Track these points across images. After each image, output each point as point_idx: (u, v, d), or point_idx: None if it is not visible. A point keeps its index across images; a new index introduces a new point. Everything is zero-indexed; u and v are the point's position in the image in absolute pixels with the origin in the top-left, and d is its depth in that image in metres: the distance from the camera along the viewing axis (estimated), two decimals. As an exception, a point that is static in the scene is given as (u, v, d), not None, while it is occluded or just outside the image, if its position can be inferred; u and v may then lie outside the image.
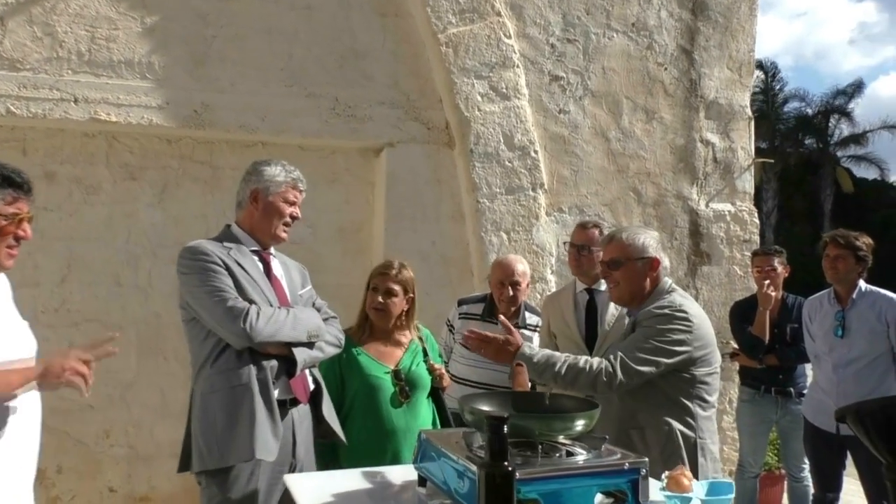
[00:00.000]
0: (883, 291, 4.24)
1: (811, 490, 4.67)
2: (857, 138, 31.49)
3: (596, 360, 2.70)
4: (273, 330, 2.76)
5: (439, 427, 3.40)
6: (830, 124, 31.71)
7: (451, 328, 4.27)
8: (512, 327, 2.80)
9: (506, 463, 1.61)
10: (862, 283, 4.27)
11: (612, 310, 3.86)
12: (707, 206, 5.68)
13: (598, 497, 1.94)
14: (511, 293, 4.07)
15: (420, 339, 3.50)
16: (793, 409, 4.75)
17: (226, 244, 2.93)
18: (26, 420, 2.19)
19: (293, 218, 3.03)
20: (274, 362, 2.81)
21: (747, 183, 5.82)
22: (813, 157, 31.79)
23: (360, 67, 5.12)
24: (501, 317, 2.96)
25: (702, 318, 2.81)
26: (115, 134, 4.90)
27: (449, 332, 4.28)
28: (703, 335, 2.76)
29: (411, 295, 3.44)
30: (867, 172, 32.33)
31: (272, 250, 3.09)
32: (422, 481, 2.19)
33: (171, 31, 4.82)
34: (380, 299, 3.37)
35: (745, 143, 5.81)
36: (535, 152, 5.24)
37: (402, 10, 5.19)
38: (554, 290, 5.07)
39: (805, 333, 4.51)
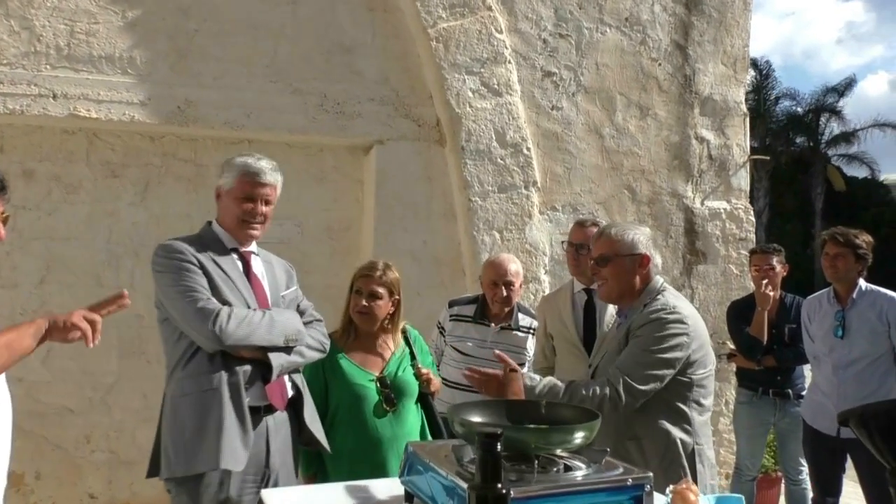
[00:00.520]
0: (884, 290, 4.14)
1: (809, 493, 4.59)
2: (848, 136, 31.54)
3: (598, 385, 2.59)
4: (245, 333, 2.65)
5: (428, 435, 3.26)
6: (821, 123, 31.75)
7: (442, 330, 4.15)
8: (510, 361, 2.66)
9: (499, 485, 1.49)
10: (862, 282, 4.17)
11: (611, 310, 3.75)
12: (702, 203, 5.59)
13: None
14: (504, 293, 3.95)
15: (407, 341, 3.36)
16: (791, 412, 4.65)
17: (204, 242, 2.83)
18: None
19: (255, 214, 2.84)
20: (248, 367, 2.71)
21: (743, 180, 5.73)
22: (804, 156, 31.81)
23: (348, 63, 5.02)
24: (498, 352, 2.81)
25: (695, 317, 2.72)
26: (95, 131, 4.79)
27: (440, 335, 4.16)
28: (699, 336, 2.67)
29: (397, 297, 3.29)
30: (858, 171, 32.43)
31: (255, 248, 2.96)
32: (408, 496, 2.06)
33: (152, 25, 4.70)
34: (364, 302, 3.22)
35: (740, 139, 5.73)
36: (528, 149, 5.14)
37: (391, 4, 5.09)
38: (548, 290, 4.98)
39: (804, 334, 4.42)
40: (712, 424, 3.26)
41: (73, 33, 4.58)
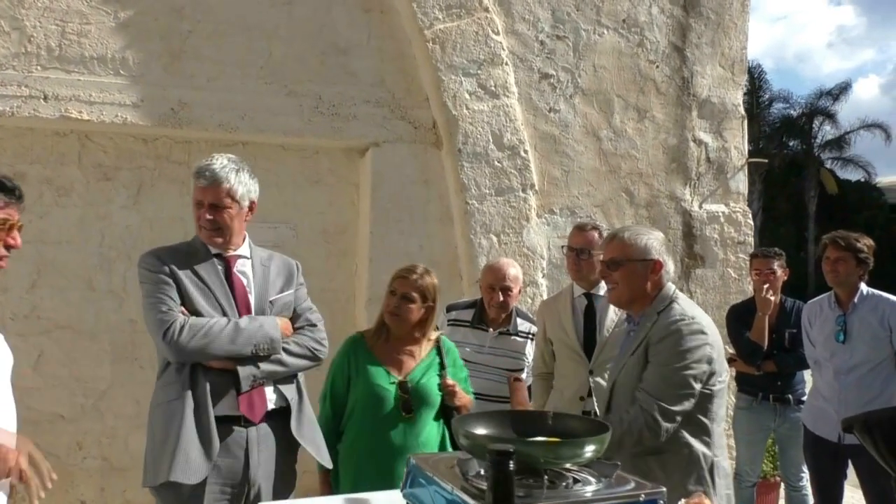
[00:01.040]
0: (885, 295, 4.10)
1: (810, 499, 4.55)
2: (839, 140, 31.64)
3: (631, 415, 2.52)
4: (202, 344, 2.62)
5: (450, 450, 3.13)
6: (814, 126, 31.82)
7: (440, 335, 4.09)
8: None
9: None
10: (863, 287, 4.13)
11: (612, 315, 3.70)
12: (700, 207, 5.55)
13: None
14: (500, 298, 3.87)
15: (440, 351, 3.26)
16: (791, 417, 4.62)
17: (190, 250, 2.81)
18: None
19: (202, 219, 2.76)
20: (217, 377, 2.67)
21: (741, 183, 5.70)
22: (797, 159, 31.88)
23: (343, 64, 4.96)
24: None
25: (711, 325, 2.66)
26: (87, 133, 4.73)
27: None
28: (717, 345, 2.62)
29: (431, 303, 3.21)
30: (853, 174, 32.52)
31: (245, 250, 2.89)
32: (410, 511, 1.99)
33: (145, 25, 4.64)
34: (395, 304, 3.18)
35: (738, 142, 5.70)
36: (525, 152, 5.09)
37: (387, 5, 5.04)
38: (545, 294, 4.93)
39: (804, 339, 4.37)
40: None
41: (64, 34, 4.52)
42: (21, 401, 4.66)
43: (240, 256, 2.86)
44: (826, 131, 31.89)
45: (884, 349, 4.00)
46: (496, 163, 5.02)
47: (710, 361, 2.54)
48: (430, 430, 3.14)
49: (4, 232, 2.05)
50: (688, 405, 2.51)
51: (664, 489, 1.76)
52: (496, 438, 1.81)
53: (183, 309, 2.69)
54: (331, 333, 3.09)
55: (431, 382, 3.15)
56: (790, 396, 4.65)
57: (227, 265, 2.82)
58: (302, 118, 4.85)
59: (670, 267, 2.75)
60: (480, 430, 1.89)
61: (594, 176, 5.31)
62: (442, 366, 3.22)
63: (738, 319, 4.75)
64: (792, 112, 31.90)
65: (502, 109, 5.06)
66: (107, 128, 4.63)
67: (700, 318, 2.63)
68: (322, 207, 5.14)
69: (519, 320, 3.99)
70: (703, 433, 2.58)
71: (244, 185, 2.80)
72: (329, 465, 2.93)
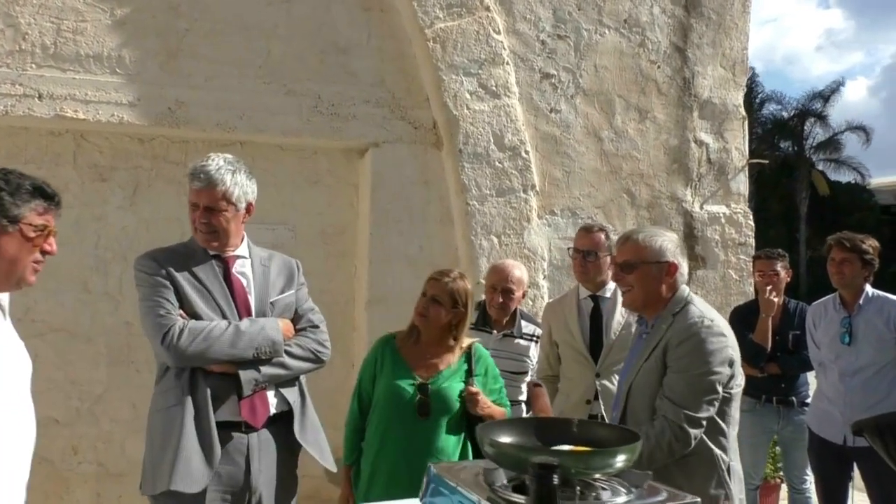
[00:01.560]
0: (891, 297, 4.08)
1: (813, 502, 4.52)
2: (829, 142, 31.78)
3: (656, 428, 2.47)
4: (202, 348, 2.56)
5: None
6: (806, 128, 31.94)
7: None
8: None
9: None
10: (869, 288, 4.11)
11: (619, 317, 3.66)
12: (701, 208, 5.52)
13: None
14: (500, 300, 3.81)
15: (469, 358, 3.20)
16: (795, 420, 4.59)
17: (188, 251, 2.75)
18: (19, 447, 2.00)
19: (197, 222, 2.72)
20: (218, 382, 2.62)
21: (742, 184, 5.67)
22: (788, 161, 31.98)
23: (342, 64, 4.90)
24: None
25: (727, 327, 2.64)
26: (83, 132, 4.66)
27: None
28: (735, 346, 2.58)
29: (462, 309, 3.17)
30: (845, 176, 32.67)
31: (244, 251, 2.83)
32: (430, 520, 1.93)
33: (142, 23, 4.57)
34: (424, 305, 3.17)
35: (738, 143, 5.67)
36: (526, 153, 5.05)
37: (387, 3, 4.98)
38: (547, 296, 4.90)
39: (809, 340, 4.35)
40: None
41: (59, 31, 4.45)
42: (15, 405, 4.58)
43: (238, 257, 2.81)
44: (817, 133, 32.05)
45: (889, 351, 3.98)
46: (497, 163, 4.98)
47: (731, 364, 2.51)
48: (448, 438, 3.08)
49: (42, 238, 2.04)
50: (713, 410, 2.48)
51: (698, 499, 1.70)
52: (521, 447, 1.75)
53: (181, 312, 2.64)
54: (329, 335, 3.03)
55: (454, 388, 3.10)
56: (794, 399, 4.62)
57: (226, 266, 2.77)
58: (301, 118, 4.79)
59: (685, 269, 2.71)
60: (504, 438, 1.83)
61: (595, 177, 5.28)
62: (469, 373, 3.15)
63: (742, 321, 4.70)
64: (784, 113, 32.03)
65: (503, 109, 5.02)
66: (102, 127, 4.56)
67: (717, 320, 2.60)
68: (321, 208, 5.08)
69: (523, 323, 3.93)
70: (721, 436, 2.56)
71: (240, 187, 2.74)
72: (333, 468, 2.89)
